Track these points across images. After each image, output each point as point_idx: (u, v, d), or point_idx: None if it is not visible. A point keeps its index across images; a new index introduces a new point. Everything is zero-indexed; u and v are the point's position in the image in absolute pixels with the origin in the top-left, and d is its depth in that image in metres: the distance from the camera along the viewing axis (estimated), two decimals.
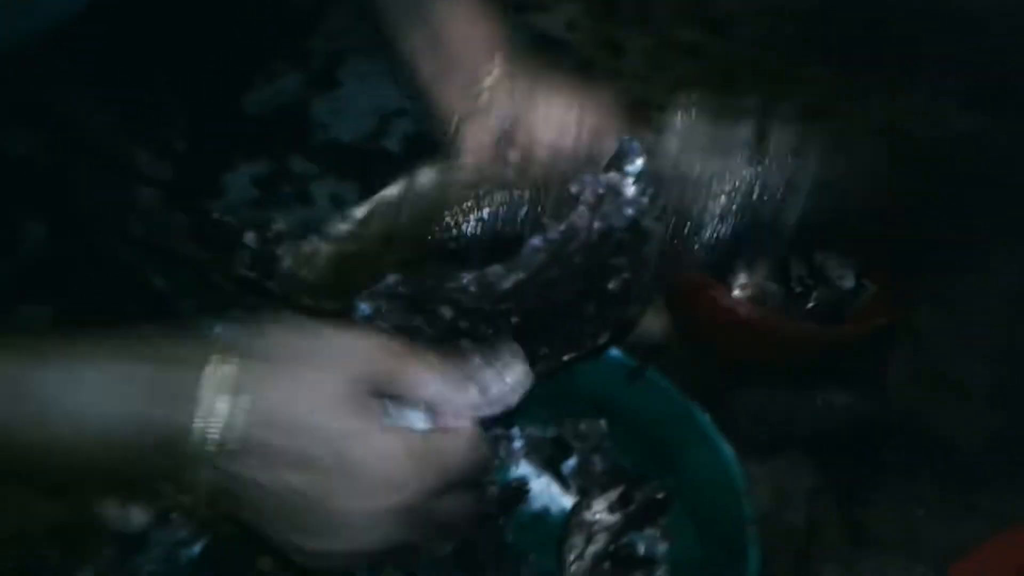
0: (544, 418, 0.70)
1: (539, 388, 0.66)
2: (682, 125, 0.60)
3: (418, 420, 0.47)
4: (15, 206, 0.75)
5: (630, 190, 0.49)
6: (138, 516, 0.61)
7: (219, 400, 0.43)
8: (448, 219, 0.53)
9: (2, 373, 0.43)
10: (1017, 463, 0.78)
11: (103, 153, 0.81)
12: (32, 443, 0.43)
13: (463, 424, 0.48)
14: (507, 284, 0.50)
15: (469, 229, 0.53)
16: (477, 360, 0.48)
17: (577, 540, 0.63)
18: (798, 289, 0.77)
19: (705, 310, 0.76)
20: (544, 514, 0.67)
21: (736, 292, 0.77)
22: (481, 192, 0.54)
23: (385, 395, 0.46)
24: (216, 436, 0.43)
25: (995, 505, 0.75)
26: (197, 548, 0.62)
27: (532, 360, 0.53)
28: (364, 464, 0.44)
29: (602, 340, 0.53)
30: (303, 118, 0.92)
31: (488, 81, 0.59)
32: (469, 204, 0.53)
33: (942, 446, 0.78)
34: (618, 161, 0.49)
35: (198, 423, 0.43)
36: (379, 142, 0.91)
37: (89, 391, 0.43)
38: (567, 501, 0.67)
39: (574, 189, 0.49)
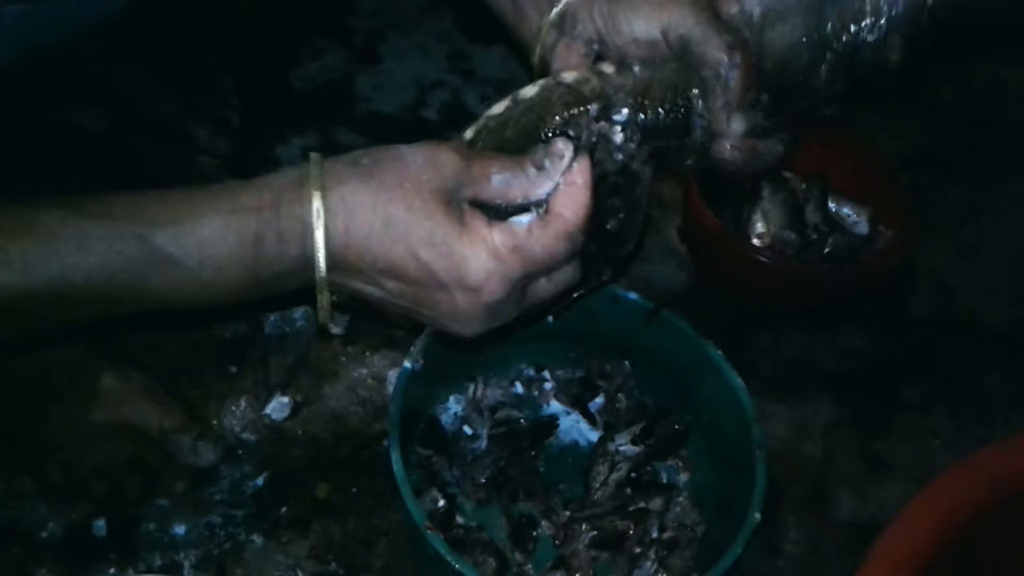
0: (572, 360, 0.75)
1: (566, 333, 0.73)
2: None
3: (523, 217, 0.51)
4: (87, 176, 0.83)
5: (618, 137, 0.54)
6: (208, 452, 0.68)
7: (317, 231, 0.48)
8: (552, 127, 0.54)
9: (128, 232, 0.48)
10: None
11: (166, 129, 0.88)
12: (164, 292, 0.49)
13: (564, 213, 0.51)
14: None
15: (586, 130, 0.54)
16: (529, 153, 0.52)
17: (602, 469, 0.69)
18: (813, 236, 0.81)
19: (725, 257, 0.80)
20: (573, 447, 0.73)
21: (754, 240, 0.80)
22: (586, 98, 0.55)
23: (472, 201, 0.51)
24: (322, 267, 0.49)
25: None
26: (261, 480, 0.69)
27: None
28: (444, 271, 0.49)
29: (606, 276, 0.58)
30: (347, 92, 0.98)
31: (563, 2, 0.59)
32: (573, 112, 0.54)
33: (959, 383, 0.82)
34: (606, 111, 0.54)
35: (304, 255, 0.49)
36: (418, 112, 0.97)
37: (203, 244, 0.48)
38: (594, 435, 0.73)
39: (572, 132, 0.53)
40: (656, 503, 0.68)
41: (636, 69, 0.57)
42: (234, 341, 0.75)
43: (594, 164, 0.51)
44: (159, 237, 0.48)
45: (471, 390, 0.73)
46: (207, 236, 0.48)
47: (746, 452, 0.64)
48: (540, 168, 0.51)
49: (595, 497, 0.68)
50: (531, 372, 0.75)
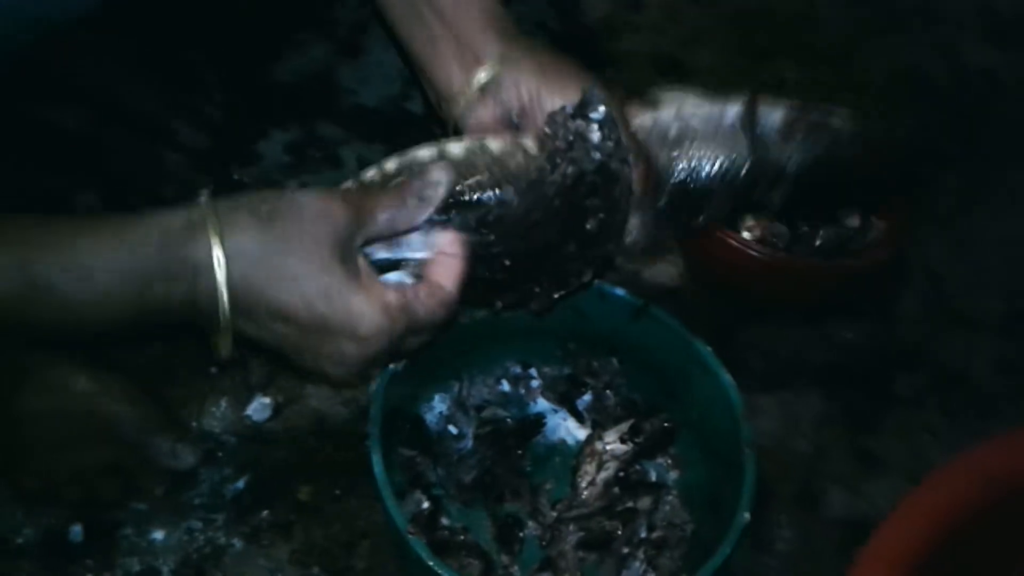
0: (559, 358, 0.74)
1: (553, 330, 0.71)
2: (677, 101, 0.64)
3: (405, 276, 0.55)
4: (65, 175, 0.81)
5: (595, 136, 0.53)
6: (187, 454, 0.67)
7: (219, 275, 0.50)
8: (474, 186, 0.57)
9: (14, 255, 0.48)
10: None
11: (144, 125, 0.86)
12: (42, 324, 0.50)
13: (445, 285, 0.55)
14: (496, 229, 0.54)
15: (493, 197, 0.56)
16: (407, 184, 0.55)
17: (589, 468, 0.68)
18: (804, 229, 0.79)
19: (715, 251, 0.79)
20: (560, 446, 0.71)
21: (744, 234, 0.79)
22: (511, 172, 0.57)
23: (364, 242, 0.54)
24: (226, 309, 0.51)
25: (1003, 430, 0.77)
26: (241, 483, 0.67)
27: (527, 298, 0.57)
28: (338, 323, 0.52)
29: (586, 277, 0.58)
30: (330, 85, 0.96)
31: (490, 65, 0.62)
32: (495, 174, 0.57)
33: (952, 377, 0.81)
34: (583, 109, 0.53)
35: (192, 299, 0.50)
36: (403, 105, 0.95)
37: (86, 277, 0.49)
38: (582, 434, 0.72)
39: (548, 130, 0.53)
40: (644, 502, 0.67)
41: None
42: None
43: (569, 163, 0.50)
44: (39, 266, 0.48)
45: (456, 389, 0.72)
46: (89, 269, 0.48)
47: (735, 450, 0.63)
48: (420, 199, 0.54)
49: (583, 497, 0.67)
50: (518, 370, 0.74)
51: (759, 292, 0.80)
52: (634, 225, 0.61)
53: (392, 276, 0.56)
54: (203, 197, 0.52)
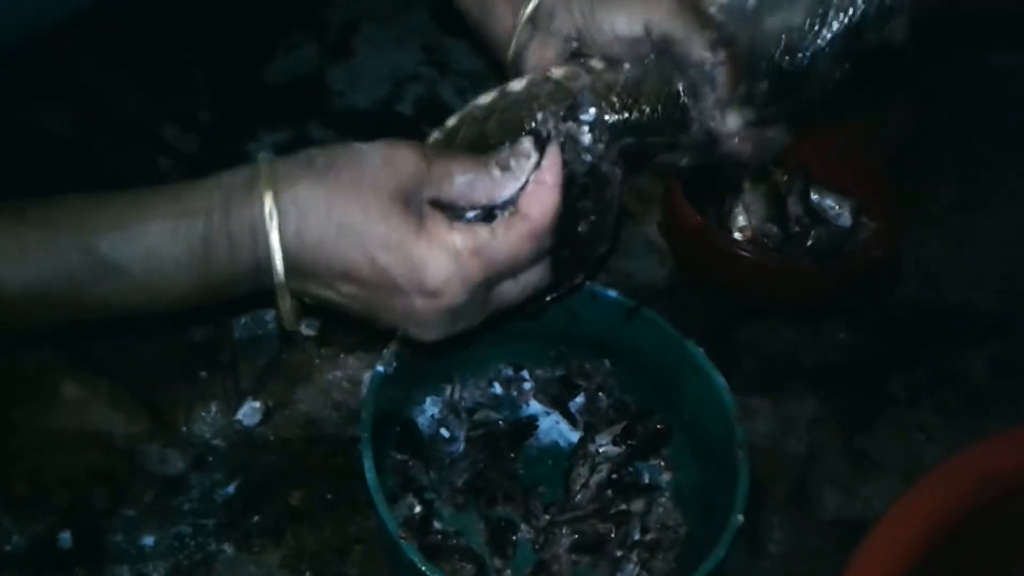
0: (552, 360, 0.73)
1: (545, 332, 0.71)
2: None
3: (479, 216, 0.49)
4: (56, 177, 0.80)
5: (586, 138, 0.52)
6: (176, 460, 0.66)
7: (272, 233, 0.46)
8: (536, 122, 0.53)
9: (69, 240, 0.46)
10: (1020, 390, 0.80)
11: (134, 127, 0.86)
12: (110, 301, 0.48)
13: (530, 213, 0.49)
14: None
15: (554, 130, 0.52)
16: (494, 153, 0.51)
17: (582, 471, 0.67)
18: (796, 229, 0.79)
19: (706, 252, 0.78)
20: (553, 449, 0.71)
21: (736, 234, 0.79)
22: (574, 92, 0.53)
23: (435, 200, 0.49)
24: (280, 270, 0.48)
25: (999, 430, 0.77)
26: (232, 488, 0.67)
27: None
28: (402, 275, 0.48)
29: (579, 279, 0.57)
30: (321, 86, 0.96)
31: None
32: (558, 107, 0.53)
33: (946, 375, 0.80)
34: (573, 111, 0.52)
35: (256, 259, 0.47)
36: (393, 106, 0.95)
37: (151, 251, 0.47)
38: (575, 436, 0.71)
39: (539, 129, 0.52)
40: (638, 504, 0.67)
41: (626, 66, 0.55)
42: (203, 345, 0.72)
43: (562, 165, 0.50)
44: (103, 245, 0.46)
45: (448, 391, 0.71)
46: (153, 242, 0.47)
47: (729, 451, 0.63)
48: (505, 168, 0.50)
49: (576, 499, 0.67)
50: (510, 372, 0.74)
51: (751, 293, 0.80)
52: (734, 125, 0.54)
53: (471, 217, 0.50)
54: (262, 153, 0.49)
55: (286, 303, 0.49)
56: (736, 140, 0.55)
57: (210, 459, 0.68)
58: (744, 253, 0.76)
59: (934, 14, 0.57)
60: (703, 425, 0.67)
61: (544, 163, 0.49)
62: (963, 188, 0.93)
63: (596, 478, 0.67)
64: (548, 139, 0.51)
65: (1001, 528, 0.57)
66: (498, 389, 0.73)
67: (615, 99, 0.55)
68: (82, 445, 0.64)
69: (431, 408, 0.71)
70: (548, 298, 0.56)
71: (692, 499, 0.68)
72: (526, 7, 0.59)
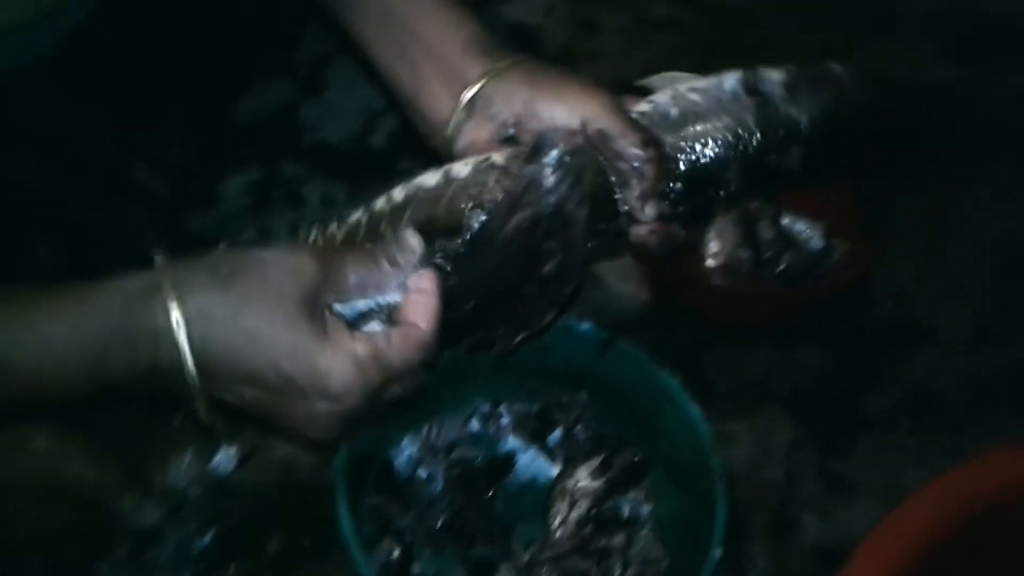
0: (528, 394, 0.73)
1: (520, 366, 0.71)
2: (669, 84, 0.63)
3: (378, 325, 0.53)
4: (23, 227, 0.80)
5: (549, 180, 0.53)
6: (151, 512, 0.66)
7: (182, 342, 0.49)
8: (482, 208, 0.56)
9: None
10: (997, 408, 0.80)
11: (103, 171, 0.85)
12: (9, 398, 0.49)
13: (419, 324, 0.53)
14: (456, 273, 0.53)
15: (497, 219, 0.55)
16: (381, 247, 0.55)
17: (561, 507, 0.67)
18: (768, 253, 0.79)
19: (680, 279, 0.79)
20: (532, 484, 0.71)
21: (708, 261, 0.79)
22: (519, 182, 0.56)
23: (333, 299, 0.52)
24: (193, 373, 0.49)
25: (976, 449, 0.77)
26: (208, 538, 0.66)
27: (489, 342, 0.57)
28: (306, 383, 0.50)
29: (548, 318, 0.57)
30: (292, 123, 0.96)
31: (482, 81, 0.61)
32: (501, 196, 0.56)
33: (922, 395, 0.81)
34: (536, 154, 0.53)
35: (155, 364, 0.49)
36: (366, 141, 0.95)
37: (45, 348, 0.48)
38: (553, 471, 0.71)
39: (503, 176, 0.53)
40: (618, 539, 0.67)
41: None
42: None
43: (524, 207, 0.50)
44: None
45: (426, 430, 0.71)
46: (49, 344, 0.47)
47: (706, 482, 0.63)
48: (393, 263, 0.53)
49: (555, 537, 0.66)
50: (487, 408, 0.74)
51: (726, 319, 0.80)
52: (651, 216, 0.59)
53: (364, 326, 0.54)
54: (159, 258, 0.51)
55: (202, 403, 0.51)
56: (645, 231, 0.60)
57: (185, 509, 0.67)
58: (716, 280, 0.76)
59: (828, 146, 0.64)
60: (680, 456, 0.67)
61: (420, 275, 0.53)
62: (931, 205, 0.94)
63: (575, 514, 0.67)
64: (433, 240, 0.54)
65: (985, 550, 0.57)
66: (476, 426, 0.73)
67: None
68: (54, 501, 0.63)
69: (409, 448, 0.71)
70: (519, 338, 0.57)
71: (673, 530, 0.68)
72: (467, 91, 0.61)
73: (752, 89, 0.61)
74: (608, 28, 1.07)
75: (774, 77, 0.61)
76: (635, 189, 0.59)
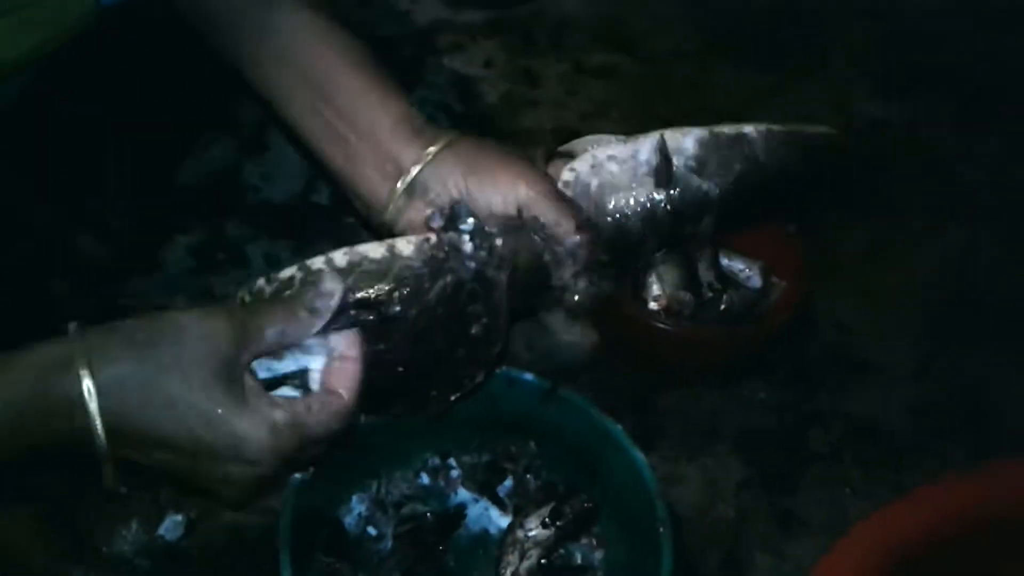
0: (477, 445, 0.74)
1: (468, 418, 0.71)
2: (591, 150, 0.65)
3: (295, 390, 0.54)
4: None
5: (468, 247, 0.54)
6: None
7: (92, 412, 0.49)
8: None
9: None
10: (940, 439, 0.82)
11: (44, 240, 0.85)
12: None
13: (340, 391, 0.54)
14: (387, 338, 0.54)
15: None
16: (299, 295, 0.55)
17: (512, 558, 0.67)
18: (709, 294, 0.81)
19: (625, 325, 0.80)
20: (483, 537, 0.71)
21: (651, 304, 0.80)
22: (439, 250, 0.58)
23: (252, 358, 0.53)
24: (103, 443, 0.50)
25: (920, 480, 0.77)
26: None
27: (424, 403, 0.57)
28: (223, 448, 0.51)
29: (478, 378, 0.58)
30: (236, 183, 0.96)
31: (417, 168, 0.62)
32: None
33: (866, 428, 0.82)
34: (453, 223, 0.54)
35: (72, 433, 0.50)
36: (309, 199, 0.95)
37: None
38: (504, 521, 0.71)
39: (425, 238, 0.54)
40: None
41: (498, 241, 0.60)
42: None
43: (446, 272, 0.51)
44: None
45: (375, 487, 0.71)
46: None
47: (652, 528, 0.63)
48: (312, 311, 0.53)
49: None
50: (437, 461, 0.74)
51: (671, 361, 0.81)
52: (583, 285, 0.63)
53: (285, 390, 0.55)
54: (72, 327, 0.51)
55: (109, 471, 0.52)
56: (576, 298, 0.64)
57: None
58: (659, 324, 0.77)
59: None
60: (628, 501, 0.68)
61: (344, 339, 0.54)
62: (868, 240, 0.96)
63: (526, 564, 0.67)
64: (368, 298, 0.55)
65: None
66: (426, 479, 0.73)
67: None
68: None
69: (358, 506, 0.70)
70: (453, 398, 0.57)
71: (623, 575, 0.68)
72: (403, 179, 0.63)
73: (662, 166, 0.64)
74: (547, 77, 1.09)
75: (686, 146, 0.65)
76: (568, 268, 0.62)
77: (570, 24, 1.14)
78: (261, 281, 0.59)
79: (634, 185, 0.64)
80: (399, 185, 0.62)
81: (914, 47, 1.15)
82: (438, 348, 0.55)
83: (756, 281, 0.82)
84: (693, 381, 0.83)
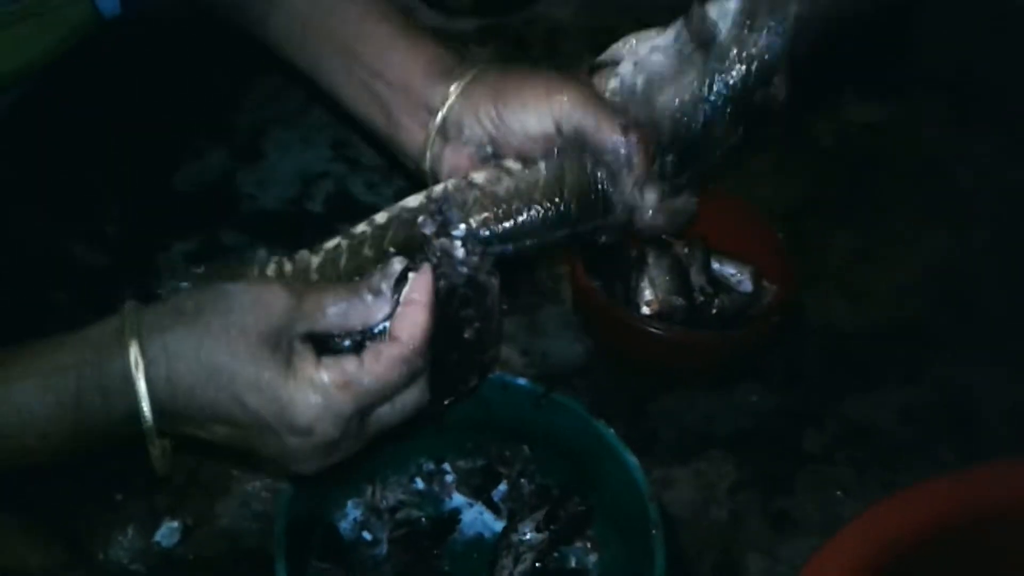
0: (471, 449, 0.74)
1: (462, 422, 0.72)
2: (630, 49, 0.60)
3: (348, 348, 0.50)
4: None
5: (459, 252, 0.54)
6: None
7: (139, 382, 0.48)
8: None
9: None
10: (931, 440, 0.82)
11: (39, 251, 0.85)
12: None
13: (400, 337, 0.50)
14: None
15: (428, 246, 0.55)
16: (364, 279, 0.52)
17: (506, 562, 0.68)
18: (701, 299, 0.81)
19: (617, 330, 0.80)
20: (478, 541, 0.71)
21: (644, 309, 0.81)
22: (501, 198, 0.57)
23: (309, 334, 0.50)
24: (148, 416, 0.48)
25: (912, 480, 0.78)
26: None
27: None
28: (273, 416, 0.49)
29: (472, 383, 0.59)
30: (231, 191, 0.96)
31: (445, 107, 0.60)
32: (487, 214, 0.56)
33: (858, 430, 0.82)
34: (444, 228, 0.55)
35: (128, 409, 0.48)
36: (304, 205, 0.96)
37: (22, 410, 0.48)
38: (499, 526, 0.71)
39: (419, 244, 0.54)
40: None
41: (541, 164, 0.57)
42: (118, 468, 0.72)
43: (439, 279, 0.51)
44: None
45: (369, 492, 0.72)
46: (24, 401, 0.47)
47: (645, 531, 0.64)
48: (378, 293, 0.51)
49: None
50: (431, 466, 0.74)
51: (663, 366, 0.81)
52: (651, 201, 0.57)
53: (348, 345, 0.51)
54: (128, 303, 0.50)
55: (156, 450, 0.50)
56: (650, 214, 0.58)
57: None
58: (651, 328, 0.77)
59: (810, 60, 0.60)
60: (621, 505, 0.68)
61: (412, 283, 0.51)
62: (859, 243, 0.97)
63: (520, 568, 0.67)
64: (422, 257, 0.53)
65: None
66: (420, 484, 0.73)
67: (540, 198, 0.57)
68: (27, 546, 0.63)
69: (353, 511, 0.71)
70: (446, 403, 0.58)
71: None
72: (433, 122, 0.61)
73: (702, 39, 0.57)
74: None
75: (730, 8, 0.57)
76: (628, 180, 0.57)
77: (563, 32, 1.15)
78: (303, 252, 0.56)
79: (684, 67, 0.57)
80: (430, 127, 0.60)
81: (906, 48, 1.15)
82: (432, 353, 0.55)
83: (747, 285, 0.83)
84: (686, 385, 0.83)
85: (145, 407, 0.48)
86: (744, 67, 0.57)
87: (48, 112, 0.88)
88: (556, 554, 0.70)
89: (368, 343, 0.51)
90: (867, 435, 0.82)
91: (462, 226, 0.54)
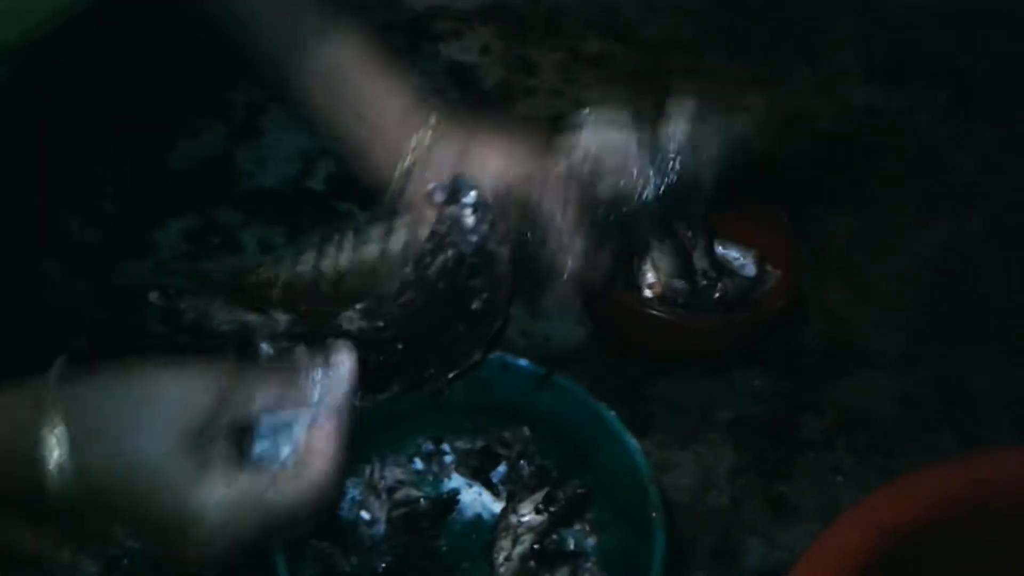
0: (471, 430, 0.74)
1: (462, 403, 0.71)
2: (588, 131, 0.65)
3: (276, 451, 0.49)
4: None
5: (469, 220, 0.54)
6: (88, 566, 0.64)
7: (52, 465, 0.46)
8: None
9: None
10: (929, 425, 0.82)
11: (34, 228, 0.85)
12: None
13: (315, 461, 0.49)
14: (387, 315, 0.54)
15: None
16: (305, 360, 0.51)
17: (504, 543, 0.67)
18: (703, 282, 0.81)
19: (618, 312, 0.80)
20: (477, 521, 0.71)
21: (646, 291, 0.80)
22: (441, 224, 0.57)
23: (233, 426, 0.49)
24: (55, 498, 0.46)
25: (910, 467, 0.78)
26: None
27: (421, 381, 0.57)
28: (169, 520, 0.47)
29: (477, 356, 0.58)
30: (229, 169, 0.96)
31: (415, 144, 0.63)
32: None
33: (857, 416, 0.82)
34: (454, 196, 0.54)
35: (33, 477, 0.46)
36: (303, 184, 0.95)
37: None
38: (497, 507, 0.71)
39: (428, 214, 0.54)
40: (563, 572, 0.67)
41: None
42: None
43: (448, 247, 0.51)
44: None
45: (368, 471, 0.71)
46: None
47: (644, 514, 0.63)
48: (316, 381, 0.50)
49: (500, 573, 0.66)
50: (430, 446, 0.74)
51: (664, 349, 0.81)
52: (578, 248, 0.62)
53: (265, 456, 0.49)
54: (55, 369, 0.48)
55: (52, 528, 0.49)
56: (576, 263, 0.62)
57: (124, 561, 0.66)
58: (653, 311, 0.77)
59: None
60: (621, 488, 0.68)
61: (324, 408, 0.50)
62: (859, 229, 0.96)
63: (519, 549, 0.67)
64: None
65: (915, 568, 0.59)
66: (419, 464, 0.73)
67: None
68: None
69: (351, 491, 0.70)
70: (450, 376, 0.57)
71: (617, 562, 0.68)
72: (403, 162, 0.63)
73: (654, 150, 0.63)
74: (543, 64, 1.09)
75: (679, 131, 0.64)
76: (556, 239, 0.61)
77: (565, 12, 1.14)
78: (326, 262, 0.58)
79: (626, 170, 0.63)
80: (400, 166, 0.63)
81: (907, 36, 1.15)
82: (438, 324, 0.55)
83: (750, 269, 0.83)
84: (687, 368, 0.83)
85: (56, 485, 0.46)
86: (674, 189, 0.64)
87: (45, 88, 0.87)
88: (555, 536, 0.70)
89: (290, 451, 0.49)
90: (866, 421, 0.82)
91: (472, 193, 0.54)
